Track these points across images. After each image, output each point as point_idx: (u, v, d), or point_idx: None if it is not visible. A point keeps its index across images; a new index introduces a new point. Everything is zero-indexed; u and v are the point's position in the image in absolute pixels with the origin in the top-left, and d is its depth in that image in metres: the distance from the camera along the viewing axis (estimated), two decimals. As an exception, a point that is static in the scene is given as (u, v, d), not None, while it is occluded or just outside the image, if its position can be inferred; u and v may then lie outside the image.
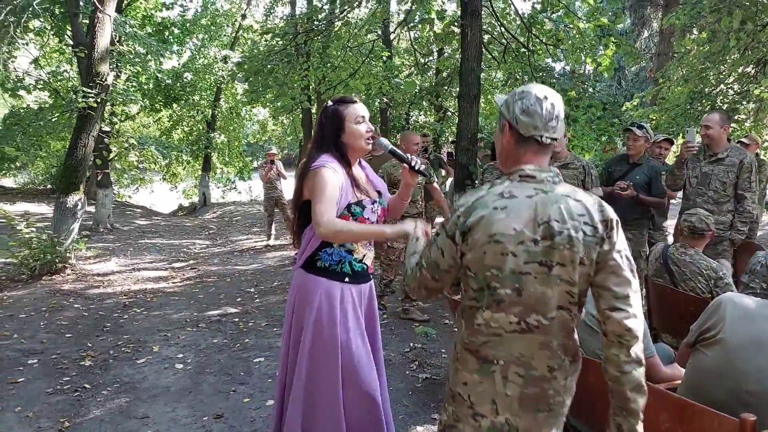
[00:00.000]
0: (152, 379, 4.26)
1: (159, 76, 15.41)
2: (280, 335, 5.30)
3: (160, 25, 15.90)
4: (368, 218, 2.46)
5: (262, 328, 5.51)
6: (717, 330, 2.15)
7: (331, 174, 2.35)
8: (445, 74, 6.74)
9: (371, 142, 2.48)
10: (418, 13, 6.33)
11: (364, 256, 2.54)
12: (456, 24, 6.40)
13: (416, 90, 8.35)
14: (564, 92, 6.51)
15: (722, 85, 7.05)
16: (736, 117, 7.18)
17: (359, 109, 2.48)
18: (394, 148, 2.48)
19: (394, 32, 10.29)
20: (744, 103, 6.96)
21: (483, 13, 6.40)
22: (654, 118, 8.13)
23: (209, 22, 17.48)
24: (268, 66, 6.24)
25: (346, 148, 2.47)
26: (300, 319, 2.50)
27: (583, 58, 6.45)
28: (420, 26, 10.24)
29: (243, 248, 10.46)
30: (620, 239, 1.61)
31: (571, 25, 6.48)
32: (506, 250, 1.55)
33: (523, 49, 6.67)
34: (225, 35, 18.64)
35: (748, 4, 5.24)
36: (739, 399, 2.04)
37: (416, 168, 2.42)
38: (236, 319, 5.79)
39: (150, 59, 13.63)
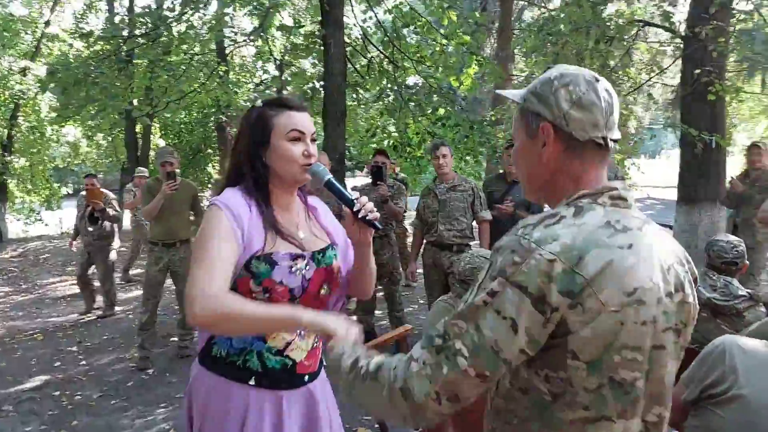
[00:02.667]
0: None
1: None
2: (120, 409, 4.19)
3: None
4: (282, 282, 1.54)
5: (94, 401, 4.33)
6: (729, 384, 1.79)
7: (221, 217, 1.49)
8: (306, 89, 6.22)
9: (307, 170, 1.59)
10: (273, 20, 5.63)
11: (289, 344, 1.61)
12: (317, 34, 5.83)
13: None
14: (434, 110, 6.30)
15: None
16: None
17: (298, 119, 1.60)
18: (333, 180, 1.60)
19: (238, 43, 9.41)
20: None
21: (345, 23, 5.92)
22: (501, 137, 8.30)
23: (1, 28, 14.82)
24: (92, 75, 5.04)
25: (268, 175, 1.60)
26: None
27: (446, 76, 6.28)
28: (260, 40, 9.51)
29: (57, 295, 8.68)
30: None
31: (434, 42, 6.30)
32: (649, 316, 1.01)
33: (388, 64, 6.31)
34: (23, 43, 15.98)
35: (605, 24, 5.49)
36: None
37: (360, 215, 1.53)
38: (57, 393, 4.50)
39: None
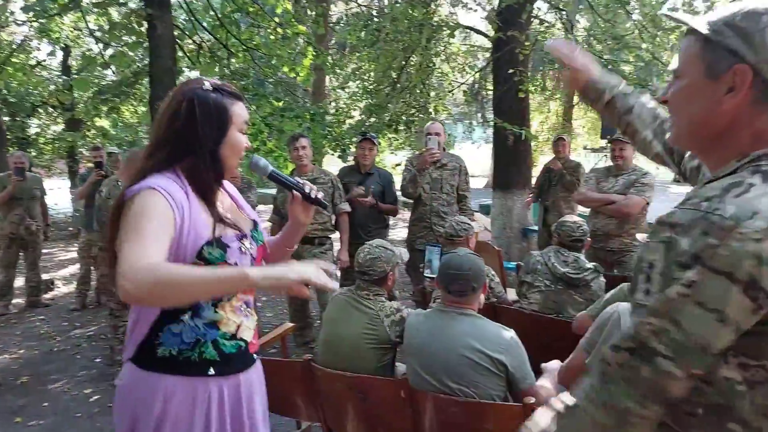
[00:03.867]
0: None
1: None
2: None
3: None
4: (236, 263, 1.55)
5: None
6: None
7: (160, 200, 1.41)
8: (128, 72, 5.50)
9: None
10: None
11: (239, 326, 1.61)
12: (140, 14, 5.27)
13: (93, 91, 6.64)
14: (277, 100, 6.07)
15: (401, 101, 7.65)
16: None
17: (245, 110, 1.63)
18: (276, 170, 1.77)
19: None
20: (422, 115, 7.77)
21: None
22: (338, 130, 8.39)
23: None
24: None
25: (222, 166, 1.59)
26: None
27: (281, 66, 6.11)
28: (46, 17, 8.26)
29: None
30: None
31: (269, 29, 6.06)
32: None
33: (219, 50, 5.91)
34: None
35: (437, 24, 5.85)
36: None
37: (313, 196, 1.71)
38: None
39: None
